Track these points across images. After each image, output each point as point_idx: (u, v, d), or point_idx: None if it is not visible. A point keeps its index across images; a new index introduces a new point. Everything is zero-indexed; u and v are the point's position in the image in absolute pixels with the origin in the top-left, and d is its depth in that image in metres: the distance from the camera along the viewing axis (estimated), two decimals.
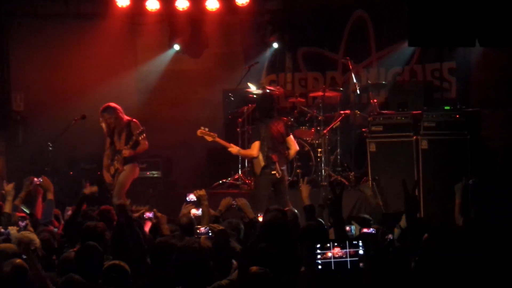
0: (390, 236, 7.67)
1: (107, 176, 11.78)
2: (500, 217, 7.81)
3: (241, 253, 6.59)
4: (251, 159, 11.48)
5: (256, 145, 11.25)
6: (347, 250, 5.69)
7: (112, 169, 11.73)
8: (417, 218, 7.23)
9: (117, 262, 6.49)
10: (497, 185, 8.51)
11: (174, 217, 9.35)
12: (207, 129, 11.64)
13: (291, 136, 11.66)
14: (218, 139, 11.72)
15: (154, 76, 15.83)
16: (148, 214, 9.11)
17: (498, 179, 11.61)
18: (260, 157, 11.24)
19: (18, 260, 6.42)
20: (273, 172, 11.26)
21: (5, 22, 15.20)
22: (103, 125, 11.71)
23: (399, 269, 6.08)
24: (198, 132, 11.63)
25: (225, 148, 13.68)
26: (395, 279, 5.93)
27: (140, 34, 15.98)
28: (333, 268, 5.64)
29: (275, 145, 11.32)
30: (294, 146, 11.63)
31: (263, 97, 12.08)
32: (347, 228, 7.76)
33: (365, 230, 7.65)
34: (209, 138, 11.66)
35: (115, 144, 11.74)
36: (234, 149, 11.59)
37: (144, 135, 11.56)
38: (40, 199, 9.99)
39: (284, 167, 11.42)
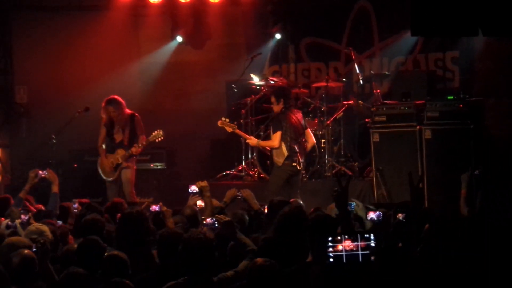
0: (400, 215, 7.66)
1: (107, 164, 11.76)
2: (500, 217, 7.78)
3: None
4: (271, 150, 11.49)
5: (277, 135, 11.23)
6: (359, 243, 5.68)
7: (113, 162, 11.74)
8: (421, 209, 7.23)
9: (115, 252, 6.51)
10: (497, 184, 8.48)
11: (179, 208, 9.36)
12: (227, 120, 11.69)
13: (309, 129, 11.68)
14: (237, 131, 11.79)
15: (157, 68, 15.82)
16: (155, 207, 9.12)
17: (501, 169, 11.61)
18: (283, 147, 11.25)
19: (26, 251, 6.45)
20: (294, 164, 11.25)
21: (8, 15, 15.22)
22: (104, 116, 11.72)
23: (404, 258, 6.08)
24: (219, 123, 11.67)
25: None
26: (400, 269, 5.93)
27: (142, 26, 15.97)
28: (344, 261, 5.63)
29: (297, 136, 11.33)
30: (311, 139, 11.64)
31: (286, 88, 12.09)
32: None
33: (371, 213, 7.62)
34: (229, 129, 11.70)
35: (114, 137, 11.75)
36: (253, 140, 11.70)
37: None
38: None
39: (302, 159, 11.44)
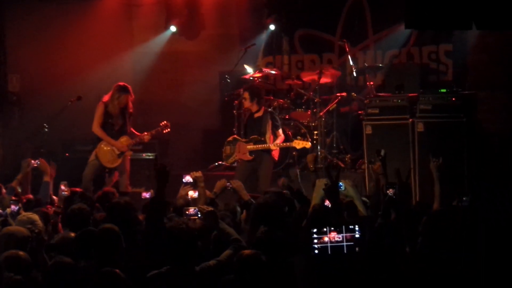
0: (391, 190, 7.68)
1: (112, 150, 11.69)
2: (500, 217, 7.79)
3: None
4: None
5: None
6: (344, 234, 5.70)
7: (119, 149, 11.67)
8: (410, 206, 7.25)
9: (108, 225, 6.57)
10: (496, 184, 8.47)
11: (170, 198, 9.35)
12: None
13: None
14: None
15: (150, 58, 15.79)
16: (145, 195, 9.14)
17: (493, 162, 11.62)
18: None
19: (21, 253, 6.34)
20: None
21: (1, 3, 15.14)
22: (114, 102, 11.61)
23: (393, 255, 6.09)
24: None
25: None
26: (389, 266, 5.94)
27: (136, 15, 15.93)
28: (329, 252, 5.65)
29: None
30: None
31: (262, 89, 12.41)
32: None
33: None
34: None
35: (118, 124, 11.68)
36: (273, 146, 11.93)
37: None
38: None
39: None
